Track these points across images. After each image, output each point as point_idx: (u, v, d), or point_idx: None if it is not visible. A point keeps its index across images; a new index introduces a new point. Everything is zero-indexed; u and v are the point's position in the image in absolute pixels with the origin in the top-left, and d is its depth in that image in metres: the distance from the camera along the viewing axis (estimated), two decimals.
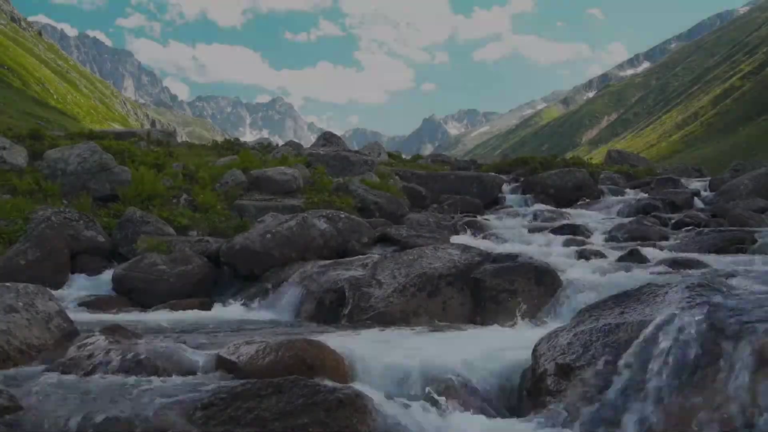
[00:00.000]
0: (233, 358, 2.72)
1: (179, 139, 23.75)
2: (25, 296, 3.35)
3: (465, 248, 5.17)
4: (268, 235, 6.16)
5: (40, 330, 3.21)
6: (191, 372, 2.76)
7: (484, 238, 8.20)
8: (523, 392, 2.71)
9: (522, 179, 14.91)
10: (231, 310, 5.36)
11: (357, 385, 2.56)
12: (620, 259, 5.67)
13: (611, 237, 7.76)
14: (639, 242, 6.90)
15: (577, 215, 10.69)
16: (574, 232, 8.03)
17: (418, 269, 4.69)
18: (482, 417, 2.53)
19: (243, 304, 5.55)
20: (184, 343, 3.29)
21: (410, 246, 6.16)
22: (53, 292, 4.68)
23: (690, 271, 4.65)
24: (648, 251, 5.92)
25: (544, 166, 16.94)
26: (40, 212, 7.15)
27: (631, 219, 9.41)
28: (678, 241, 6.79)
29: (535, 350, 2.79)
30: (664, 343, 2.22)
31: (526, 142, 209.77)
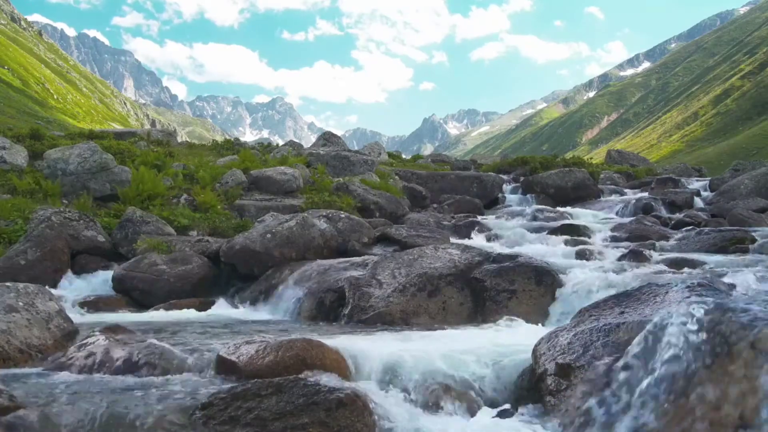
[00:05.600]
0: (233, 357, 2.72)
1: (179, 139, 23.74)
2: (26, 296, 3.35)
3: (465, 248, 5.18)
4: (269, 235, 6.16)
5: (40, 330, 3.22)
6: (191, 372, 2.76)
7: (484, 238, 8.20)
8: (523, 392, 2.71)
9: (522, 179, 14.92)
10: (231, 310, 5.36)
11: (357, 385, 2.56)
12: (620, 259, 5.67)
13: (611, 237, 7.76)
14: (639, 242, 6.90)
15: (577, 215, 10.68)
16: (574, 232, 8.03)
17: (418, 269, 4.69)
18: (482, 417, 2.53)
19: (243, 304, 5.55)
20: (184, 342, 3.29)
21: (410, 246, 6.16)
22: (53, 291, 4.69)
23: (690, 271, 4.65)
24: (648, 251, 5.92)
25: (544, 166, 16.95)
26: (40, 212, 7.15)
27: (631, 219, 9.41)
28: (678, 241, 6.79)
29: (535, 350, 2.78)
30: (664, 343, 2.22)
31: (526, 142, 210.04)
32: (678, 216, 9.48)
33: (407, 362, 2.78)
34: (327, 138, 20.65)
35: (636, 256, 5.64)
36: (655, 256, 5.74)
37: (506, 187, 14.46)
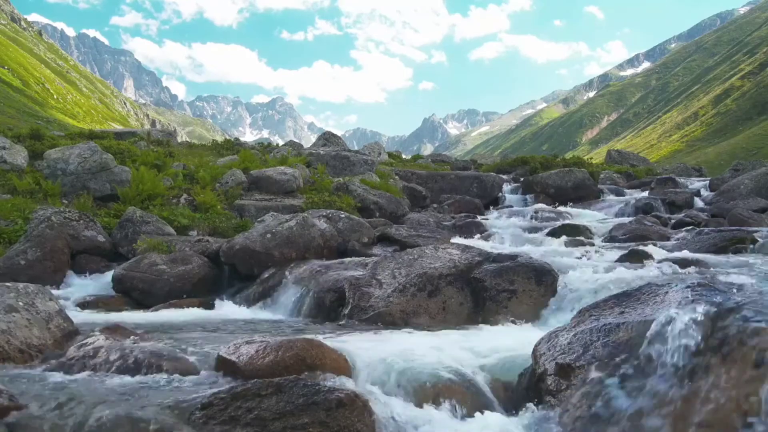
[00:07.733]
0: (233, 357, 2.72)
1: (179, 139, 23.76)
2: (26, 296, 3.35)
3: (465, 248, 5.17)
4: (269, 235, 6.16)
5: (40, 330, 3.21)
6: (191, 372, 2.76)
7: (484, 238, 8.20)
8: (523, 392, 2.71)
9: (522, 179, 14.92)
10: (231, 310, 5.36)
11: (357, 385, 2.56)
12: (620, 259, 5.66)
13: (611, 237, 7.76)
14: (639, 242, 6.89)
15: (577, 215, 10.68)
16: (574, 232, 8.02)
17: (418, 269, 4.69)
18: (482, 417, 2.53)
19: (243, 304, 5.54)
20: (184, 342, 3.29)
21: (410, 246, 6.16)
22: (53, 291, 4.69)
23: (690, 271, 4.64)
24: (648, 251, 5.91)
25: (544, 166, 16.97)
26: (40, 212, 7.15)
27: (631, 219, 9.41)
28: (678, 241, 6.79)
29: (535, 350, 2.78)
30: (664, 343, 2.22)
31: (526, 142, 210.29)
32: (678, 216, 9.48)
33: (407, 362, 2.78)
34: (327, 138, 20.67)
35: (636, 257, 5.63)
36: (655, 256, 5.74)
37: (506, 187, 14.47)
